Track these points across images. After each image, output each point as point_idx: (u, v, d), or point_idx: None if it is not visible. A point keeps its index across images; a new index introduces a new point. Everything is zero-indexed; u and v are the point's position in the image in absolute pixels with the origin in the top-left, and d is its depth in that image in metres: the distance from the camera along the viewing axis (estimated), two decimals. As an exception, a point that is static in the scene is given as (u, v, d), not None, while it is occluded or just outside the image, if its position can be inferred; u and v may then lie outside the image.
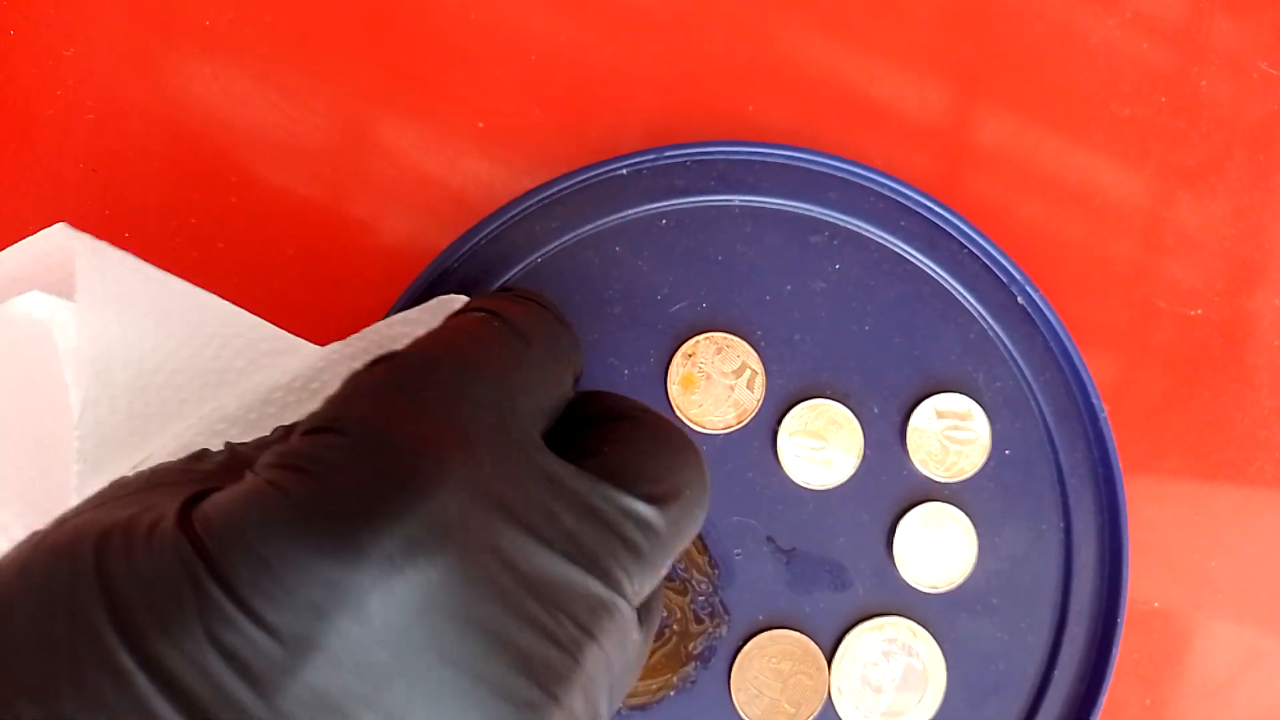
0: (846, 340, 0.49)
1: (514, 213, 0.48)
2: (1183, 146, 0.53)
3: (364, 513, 0.24)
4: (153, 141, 0.50)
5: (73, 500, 0.34)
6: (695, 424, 0.48)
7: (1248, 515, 0.53)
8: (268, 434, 0.33)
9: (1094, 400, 0.49)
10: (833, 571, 0.49)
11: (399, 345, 0.32)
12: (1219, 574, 0.53)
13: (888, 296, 0.49)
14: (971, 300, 0.49)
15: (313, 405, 0.31)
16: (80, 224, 0.38)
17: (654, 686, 0.48)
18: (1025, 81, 0.53)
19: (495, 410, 0.29)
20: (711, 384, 0.49)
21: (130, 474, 0.30)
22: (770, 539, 0.49)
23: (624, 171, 0.49)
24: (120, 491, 0.29)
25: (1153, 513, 0.52)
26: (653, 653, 0.48)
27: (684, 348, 0.49)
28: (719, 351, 0.49)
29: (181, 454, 0.33)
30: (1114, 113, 0.53)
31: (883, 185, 0.49)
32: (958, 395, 0.49)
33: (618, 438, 0.32)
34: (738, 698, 0.48)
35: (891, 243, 0.49)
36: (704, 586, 0.48)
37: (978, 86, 0.53)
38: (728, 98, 0.52)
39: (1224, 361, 0.53)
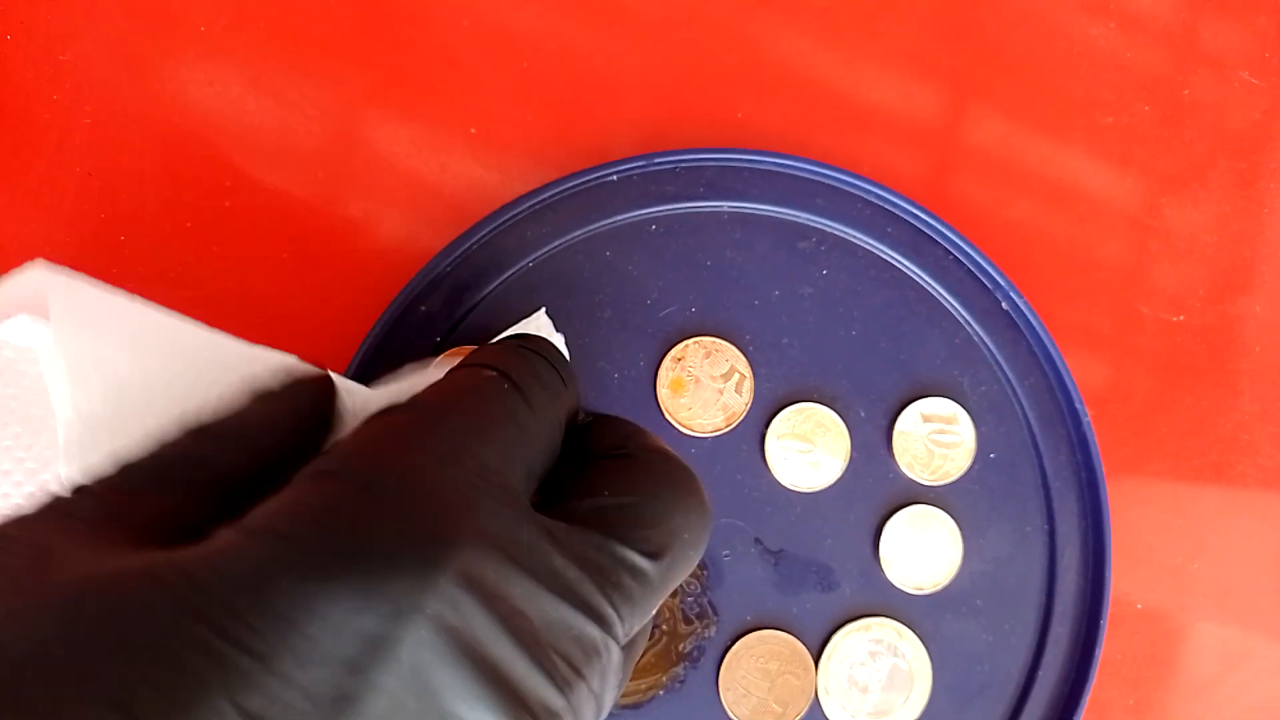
0: (834, 345, 0.50)
1: (505, 218, 0.49)
2: (1166, 154, 0.54)
3: (395, 567, 0.24)
4: (149, 145, 0.51)
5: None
6: (684, 427, 0.49)
7: (1230, 517, 0.53)
8: None
9: (1077, 404, 0.49)
10: (820, 573, 0.49)
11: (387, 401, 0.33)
12: (1202, 575, 0.53)
13: (874, 302, 0.50)
14: (957, 306, 0.50)
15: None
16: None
17: (643, 686, 0.48)
18: (1011, 89, 0.54)
19: (500, 472, 0.29)
20: (700, 388, 0.49)
21: (63, 494, 0.28)
22: (758, 540, 0.49)
23: (614, 178, 0.49)
24: (61, 516, 0.27)
25: (1136, 515, 0.53)
26: (643, 653, 0.48)
27: (673, 352, 0.49)
28: (708, 355, 0.49)
29: None
30: (1098, 120, 0.54)
31: (870, 192, 0.50)
32: (943, 399, 0.50)
33: (619, 480, 0.32)
34: (726, 697, 0.48)
35: (878, 249, 0.50)
36: (693, 587, 0.49)
37: (965, 93, 0.54)
38: (718, 104, 0.53)
39: (1207, 366, 0.53)
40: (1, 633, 0.22)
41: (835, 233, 0.50)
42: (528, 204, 0.49)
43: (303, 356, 0.36)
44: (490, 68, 0.52)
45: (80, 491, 0.28)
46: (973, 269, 0.50)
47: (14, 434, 0.38)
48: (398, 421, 0.29)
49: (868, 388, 0.50)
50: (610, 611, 0.29)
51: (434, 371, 0.37)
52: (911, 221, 0.50)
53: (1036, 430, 0.50)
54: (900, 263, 0.50)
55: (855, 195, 0.50)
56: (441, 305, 0.48)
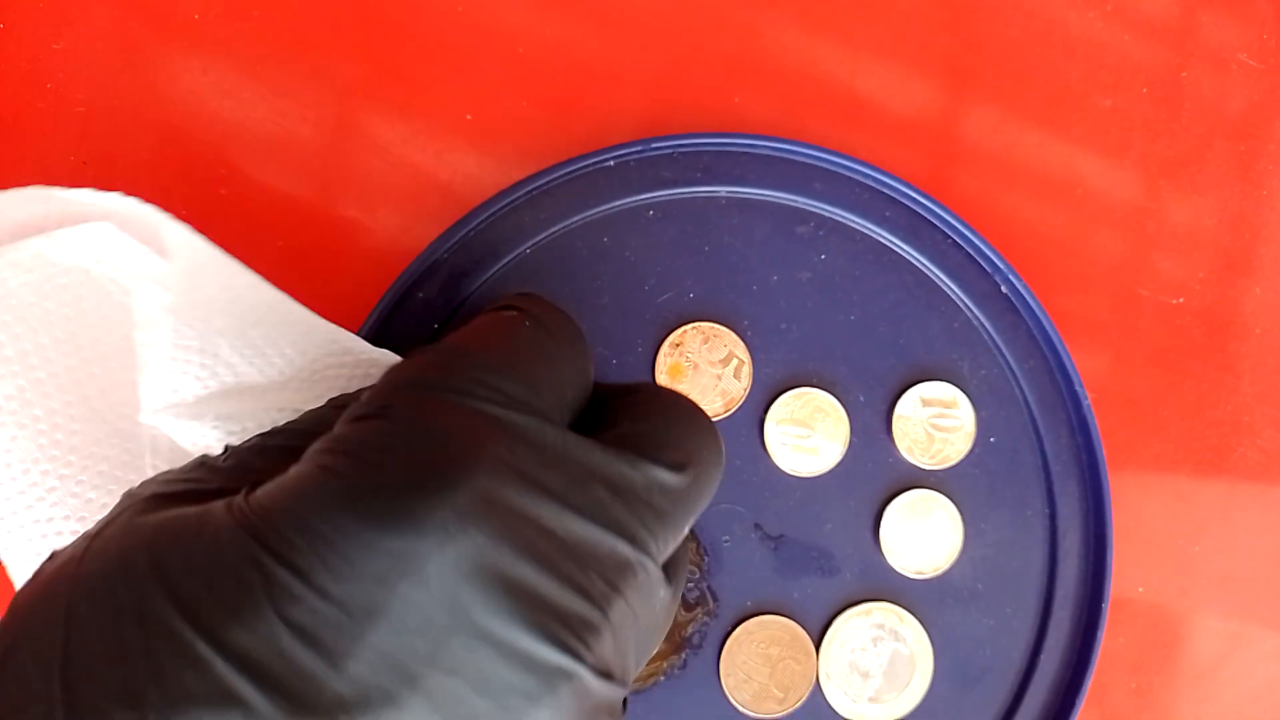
0: (832, 329, 0.50)
1: (502, 205, 0.48)
2: (1164, 138, 0.54)
3: (417, 489, 0.26)
4: (142, 135, 0.51)
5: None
6: (683, 413, 0.49)
7: (1231, 501, 0.53)
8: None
9: (1078, 388, 0.49)
10: (820, 558, 0.49)
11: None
12: (1203, 559, 0.53)
13: (873, 286, 0.50)
14: (956, 289, 0.50)
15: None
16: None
17: (644, 673, 0.48)
18: (1008, 73, 0.54)
19: (526, 401, 0.30)
20: (699, 373, 0.49)
21: (136, 486, 0.32)
22: (758, 526, 0.49)
23: (611, 163, 0.49)
24: (131, 501, 0.30)
25: (1137, 499, 0.53)
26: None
27: (671, 337, 0.49)
28: (706, 341, 0.49)
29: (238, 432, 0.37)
30: (1096, 104, 0.54)
31: (868, 176, 0.49)
32: (943, 383, 0.49)
33: (635, 410, 0.34)
34: (727, 683, 0.48)
35: (877, 233, 0.50)
36: (693, 573, 0.48)
37: (961, 79, 0.53)
38: (714, 90, 0.52)
39: (1207, 349, 0.53)
40: (105, 548, 0.27)
41: (833, 217, 0.50)
42: (525, 190, 0.49)
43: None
44: (485, 55, 0.52)
45: (226, 450, 0.33)
46: (971, 252, 0.50)
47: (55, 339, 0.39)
48: (421, 362, 0.32)
49: (867, 372, 0.50)
50: (642, 530, 0.30)
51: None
52: (910, 205, 0.50)
53: (1036, 414, 0.50)
54: (899, 247, 0.50)
55: (853, 179, 0.50)
56: (439, 292, 0.48)
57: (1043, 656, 0.49)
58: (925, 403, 0.49)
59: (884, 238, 0.50)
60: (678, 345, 0.49)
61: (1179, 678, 0.53)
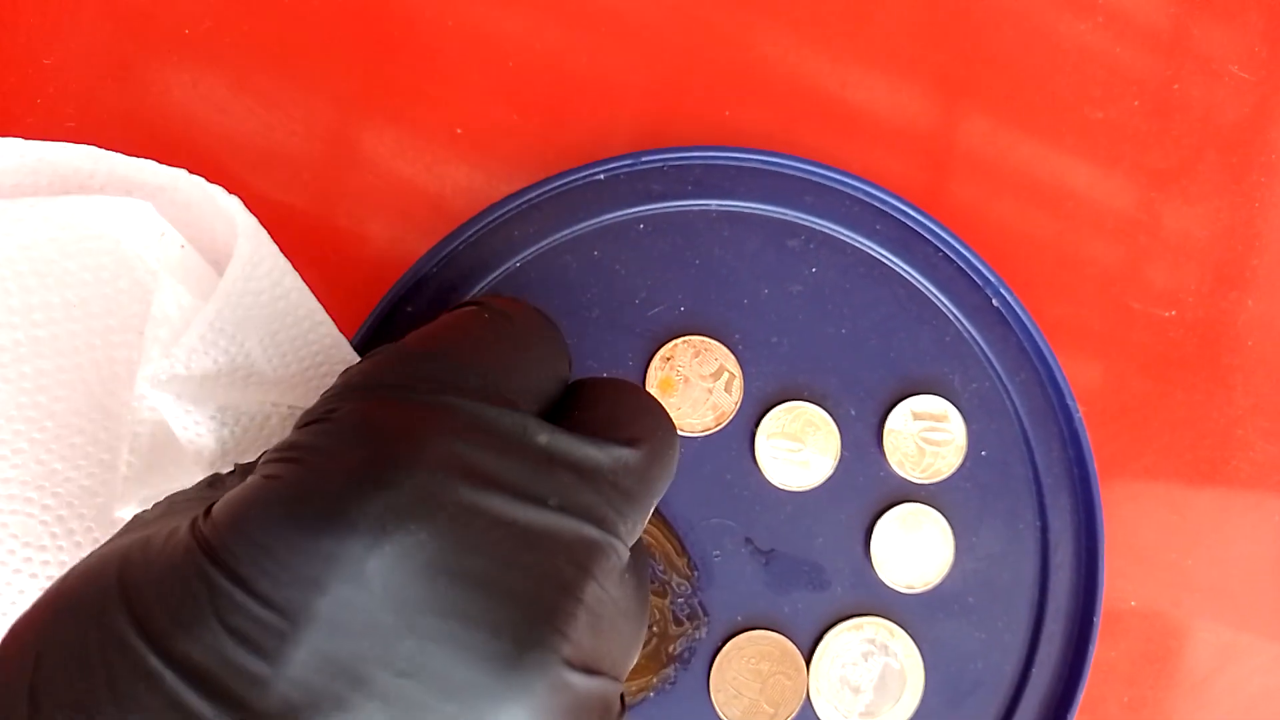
0: (823, 343, 0.50)
1: (492, 218, 0.48)
2: (1156, 149, 0.54)
3: (350, 489, 0.26)
4: (132, 149, 0.50)
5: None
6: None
7: (1224, 514, 0.53)
8: None
9: (1069, 401, 0.49)
10: (811, 572, 0.49)
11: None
12: (1196, 572, 0.53)
13: (864, 299, 0.50)
14: (946, 303, 0.50)
15: None
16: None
17: (633, 688, 0.48)
18: (999, 86, 0.53)
19: (481, 392, 0.30)
20: (690, 387, 0.49)
21: (148, 507, 0.32)
22: (749, 540, 0.49)
23: (601, 176, 0.49)
24: (139, 524, 0.31)
25: (1129, 512, 0.53)
26: (632, 654, 0.48)
27: (662, 351, 0.49)
28: (697, 355, 0.49)
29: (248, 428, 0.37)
30: (1087, 116, 0.54)
31: (858, 190, 0.49)
32: (934, 397, 0.49)
33: (580, 398, 0.34)
34: (717, 698, 0.48)
35: (867, 246, 0.50)
36: (683, 588, 0.48)
37: (952, 91, 0.53)
38: (705, 103, 0.52)
39: (1199, 362, 0.53)
40: (89, 565, 0.27)
41: (824, 230, 0.50)
42: (514, 204, 0.49)
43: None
44: (476, 68, 0.52)
45: (234, 469, 0.34)
46: (962, 265, 0.50)
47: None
48: (371, 363, 0.31)
49: (858, 386, 0.50)
50: (610, 512, 0.30)
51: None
52: (900, 218, 0.50)
53: (1028, 427, 0.50)
54: (889, 260, 0.50)
55: (844, 193, 0.50)
56: (427, 306, 0.48)
57: (1034, 670, 0.49)
58: (916, 416, 0.49)
59: (875, 251, 0.50)
60: (668, 359, 0.49)
61: (1173, 690, 0.53)
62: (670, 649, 0.48)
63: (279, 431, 0.38)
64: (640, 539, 0.33)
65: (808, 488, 0.49)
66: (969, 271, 0.50)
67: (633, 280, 0.49)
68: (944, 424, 0.49)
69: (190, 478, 0.37)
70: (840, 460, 0.49)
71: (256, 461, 0.33)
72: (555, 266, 0.49)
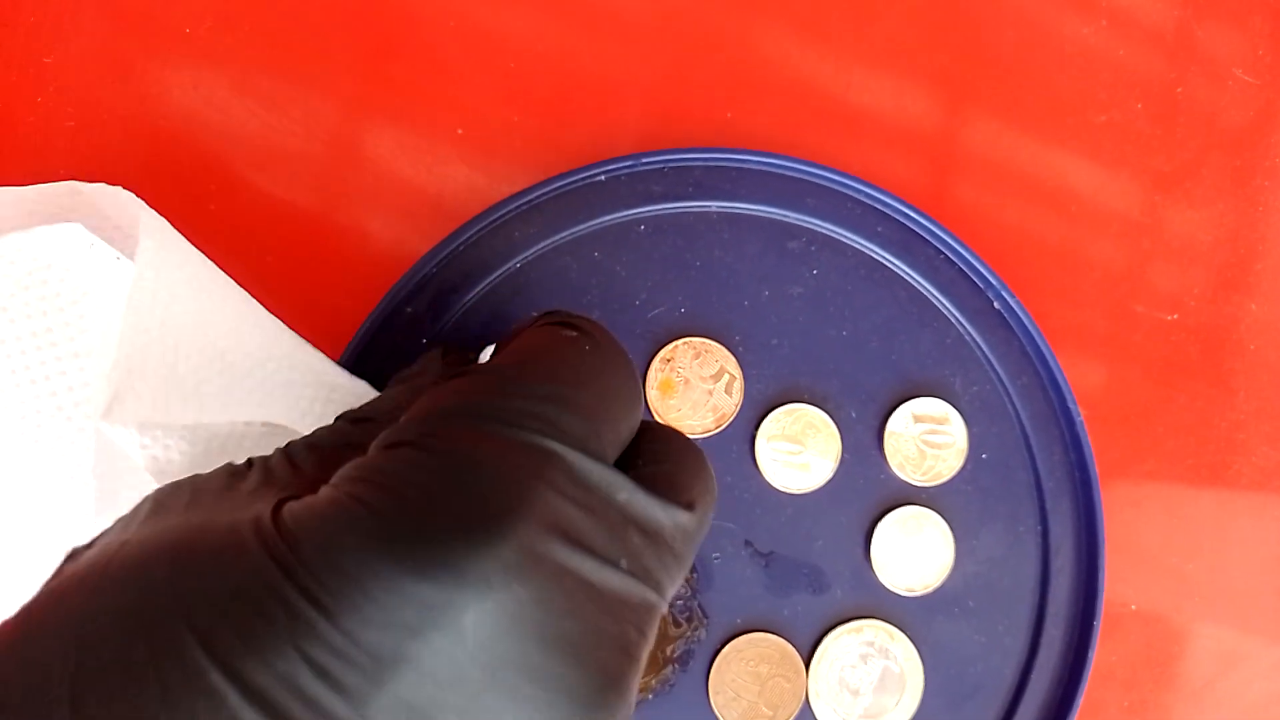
0: (824, 345, 0.50)
1: (493, 218, 0.48)
2: (1159, 152, 0.54)
3: (460, 537, 0.25)
4: (133, 148, 0.51)
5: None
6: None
7: (1225, 518, 0.53)
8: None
9: (1070, 404, 0.49)
10: (811, 575, 0.49)
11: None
12: (1198, 576, 0.53)
13: (865, 302, 0.50)
14: (948, 305, 0.50)
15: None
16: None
17: (632, 690, 0.48)
18: (1003, 88, 0.53)
19: (581, 438, 0.29)
20: (690, 389, 0.49)
21: (167, 488, 0.31)
22: (748, 543, 0.49)
23: (602, 178, 0.49)
24: (162, 509, 0.30)
25: (1131, 515, 0.53)
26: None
27: (662, 353, 0.49)
28: (697, 356, 0.49)
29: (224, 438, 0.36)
30: (1091, 119, 0.53)
31: (859, 192, 0.49)
32: (935, 400, 0.49)
33: (645, 449, 0.33)
34: (716, 700, 0.48)
35: (868, 248, 0.50)
36: (683, 590, 0.48)
37: (956, 93, 0.53)
38: (707, 105, 0.52)
39: (1201, 365, 0.53)
40: (127, 559, 0.26)
41: (825, 232, 0.50)
42: (515, 205, 0.49)
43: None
44: (477, 69, 0.52)
45: (249, 462, 0.32)
46: (964, 268, 0.50)
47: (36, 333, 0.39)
48: (469, 385, 0.30)
49: (858, 388, 0.50)
50: (665, 576, 0.30)
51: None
52: (901, 220, 0.50)
53: (1029, 430, 0.50)
54: (891, 262, 0.50)
55: (845, 195, 0.50)
56: (427, 307, 0.48)
57: (1034, 674, 0.49)
58: (917, 419, 0.49)
59: (876, 253, 0.50)
60: (669, 360, 0.49)
61: (1174, 694, 0.53)
62: (669, 651, 0.48)
63: (259, 449, 0.38)
64: None
65: (808, 490, 0.49)
66: (970, 274, 0.50)
67: (633, 281, 0.49)
68: (945, 427, 0.49)
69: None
70: (841, 463, 0.49)
71: (276, 460, 0.33)
72: (555, 267, 0.49)
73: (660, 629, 0.47)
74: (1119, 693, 0.52)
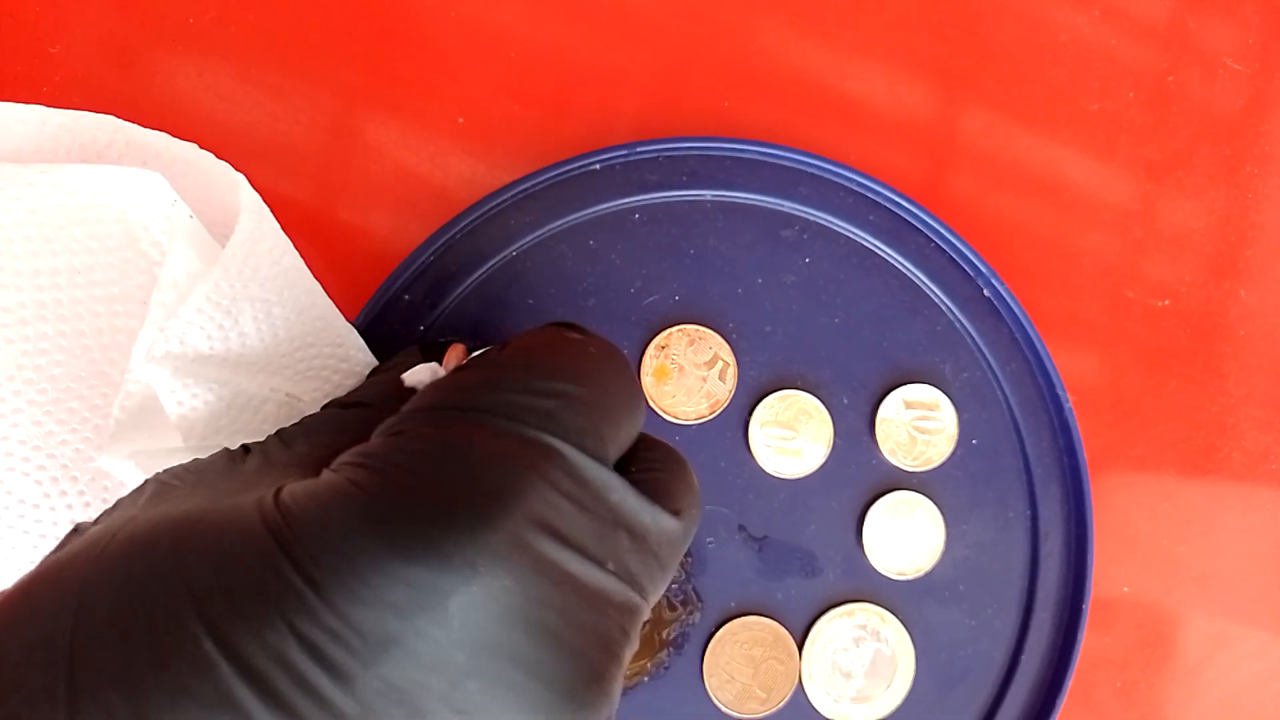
0: (817, 332, 0.50)
1: (488, 207, 0.49)
2: (1151, 141, 0.54)
3: (449, 522, 0.25)
4: (137, 138, 0.51)
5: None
6: (668, 415, 0.49)
7: (1216, 502, 0.54)
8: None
9: (1059, 390, 0.50)
10: (803, 559, 0.49)
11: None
12: (1188, 559, 0.53)
13: (857, 290, 0.50)
14: (939, 293, 0.50)
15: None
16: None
17: (627, 673, 0.48)
18: (997, 78, 0.54)
19: (580, 434, 0.30)
20: (684, 375, 0.49)
21: (173, 470, 0.32)
22: (742, 527, 0.49)
23: (597, 167, 0.49)
24: (167, 490, 0.30)
25: (1122, 500, 0.53)
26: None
27: (657, 340, 0.49)
28: (691, 343, 0.49)
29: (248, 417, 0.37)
30: (1083, 108, 0.54)
31: (852, 181, 0.50)
32: (925, 386, 0.50)
33: (637, 456, 0.33)
34: (710, 683, 0.49)
35: (861, 237, 0.50)
36: (678, 574, 0.49)
37: (949, 83, 0.54)
38: (704, 95, 0.53)
39: (1192, 351, 0.54)
40: (132, 533, 0.26)
41: (818, 221, 0.50)
42: (510, 193, 0.49)
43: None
44: (477, 59, 0.52)
45: (245, 447, 0.33)
46: (954, 256, 0.50)
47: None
48: (475, 378, 0.31)
49: (850, 375, 0.50)
50: (648, 580, 0.30)
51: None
52: (893, 209, 0.50)
53: (1018, 416, 0.50)
54: (882, 250, 0.50)
55: (837, 183, 0.50)
56: (425, 295, 0.48)
57: (1024, 657, 0.50)
58: (908, 405, 0.50)
59: (868, 242, 0.50)
60: (663, 347, 0.49)
61: (1164, 676, 0.53)
62: (664, 634, 0.49)
63: (274, 416, 0.39)
64: None
65: (800, 475, 0.50)
66: (961, 262, 0.50)
67: (628, 269, 0.50)
68: (935, 413, 0.50)
69: (174, 443, 0.37)
70: (833, 448, 0.50)
71: (290, 436, 0.33)
72: (551, 256, 0.49)
73: (656, 612, 0.48)
74: (1111, 674, 0.53)
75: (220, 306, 0.36)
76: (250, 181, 0.38)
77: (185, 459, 0.33)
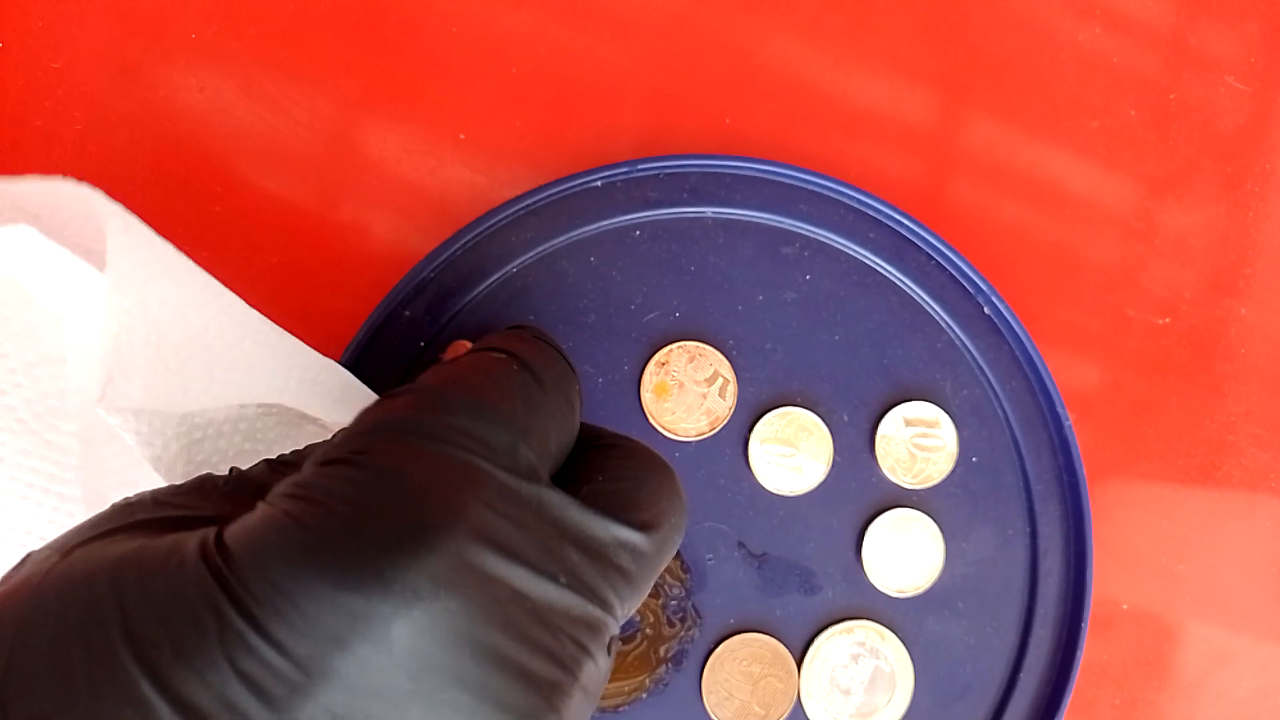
0: (817, 349, 0.50)
1: (490, 223, 0.49)
2: (1153, 157, 0.54)
3: (386, 548, 0.25)
4: (140, 151, 0.51)
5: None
6: (668, 431, 0.49)
7: (1216, 519, 0.54)
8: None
9: (1059, 408, 0.50)
10: (803, 576, 0.49)
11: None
12: (1188, 576, 0.53)
13: (857, 306, 0.50)
14: (939, 310, 0.50)
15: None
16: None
17: (626, 689, 0.48)
18: (999, 93, 0.54)
19: (509, 454, 0.30)
20: (684, 392, 0.49)
21: (133, 497, 0.31)
22: (741, 544, 0.50)
23: (598, 184, 0.49)
24: (124, 519, 0.30)
25: (1123, 516, 0.53)
26: (625, 655, 0.48)
27: (657, 356, 0.50)
28: (692, 360, 0.50)
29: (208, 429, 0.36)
30: (1085, 124, 0.54)
31: (852, 198, 0.50)
32: (926, 403, 0.50)
33: (609, 466, 0.33)
34: (709, 700, 0.49)
35: (861, 254, 0.50)
36: (676, 591, 0.49)
37: (952, 98, 0.54)
38: (706, 110, 0.53)
39: (1193, 368, 0.54)
40: (70, 569, 0.26)
41: (818, 238, 0.50)
42: (512, 209, 0.49)
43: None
44: (480, 73, 0.52)
45: (231, 472, 0.33)
46: (955, 274, 0.50)
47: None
48: (399, 404, 0.30)
49: (850, 392, 0.50)
50: (610, 592, 0.30)
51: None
52: (894, 227, 0.50)
53: (1018, 434, 0.50)
54: (883, 268, 0.50)
55: (838, 201, 0.50)
56: (425, 310, 0.49)
57: (1023, 674, 0.50)
58: (908, 422, 0.50)
59: (868, 259, 0.50)
60: (663, 364, 0.49)
61: (1165, 692, 0.53)
62: (663, 650, 0.49)
63: (255, 426, 0.39)
64: None
65: (800, 492, 0.50)
66: (961, 280, 0.50)
67: (629, 286, 0.50)
68: (935, 430, 0.50)
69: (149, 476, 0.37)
70: (832, 465, 0.50)
71: (257, 474, 0.33)
72: (552, 272, 0.50)
73: (654, 629, 0.48)
74: (1111, 690, 0.53)
75: (134, 321, 0.35)
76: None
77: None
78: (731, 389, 0.50)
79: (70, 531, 0.30)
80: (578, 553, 0.29)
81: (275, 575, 0.24)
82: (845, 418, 0.50)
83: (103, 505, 0.36)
